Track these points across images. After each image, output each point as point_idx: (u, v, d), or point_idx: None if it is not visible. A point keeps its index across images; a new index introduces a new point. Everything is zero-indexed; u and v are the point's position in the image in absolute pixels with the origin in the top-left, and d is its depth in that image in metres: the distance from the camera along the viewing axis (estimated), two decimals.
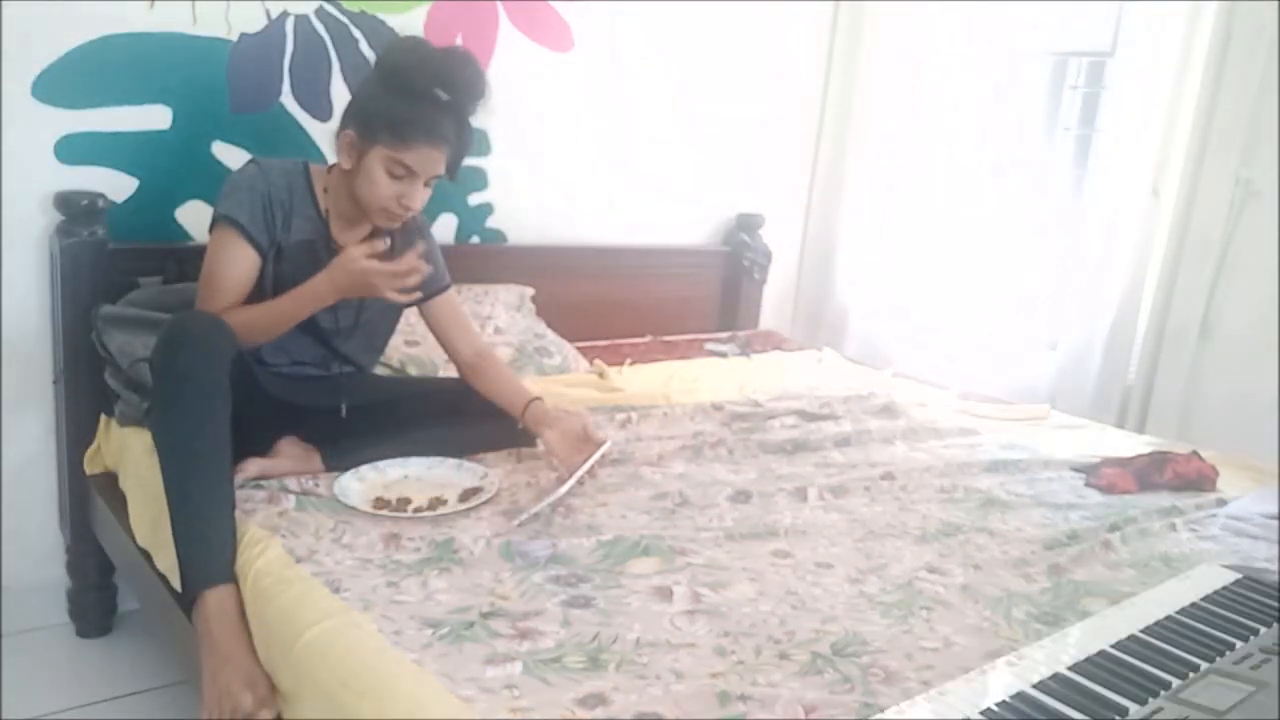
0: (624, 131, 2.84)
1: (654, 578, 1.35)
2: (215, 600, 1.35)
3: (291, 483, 1.60)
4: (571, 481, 1.58)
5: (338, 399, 1.76)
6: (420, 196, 1.66)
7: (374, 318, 1.83)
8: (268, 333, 1.63)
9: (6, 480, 2.08)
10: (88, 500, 2.03)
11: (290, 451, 1.67)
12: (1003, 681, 1.06)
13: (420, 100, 1.61)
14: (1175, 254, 2.46)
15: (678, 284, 3.04)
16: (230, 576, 1.37)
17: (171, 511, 1.42)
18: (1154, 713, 1.00)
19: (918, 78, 3.00)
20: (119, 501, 1.83)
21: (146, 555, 1.65)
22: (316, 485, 1.61)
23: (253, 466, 1.59)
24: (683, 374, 2.55)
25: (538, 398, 1.78)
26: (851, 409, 2.28)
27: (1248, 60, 2.31)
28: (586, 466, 1.61)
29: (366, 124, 1.62)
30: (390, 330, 1.92)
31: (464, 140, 1.68)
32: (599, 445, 1.65)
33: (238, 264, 1.63)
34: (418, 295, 1.71)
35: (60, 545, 2.16)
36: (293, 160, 1.74)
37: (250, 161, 1.70)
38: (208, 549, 1.39)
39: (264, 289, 1.68)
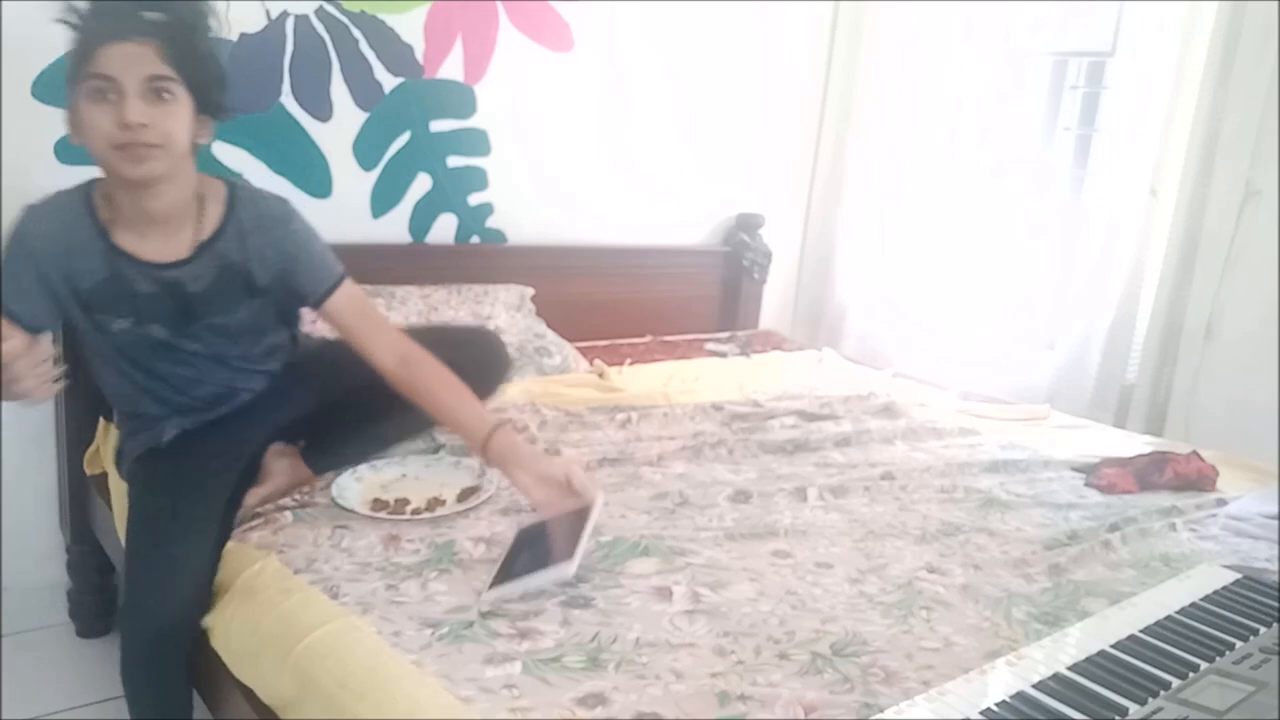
0: (624, 131, 2.83)
1: (654, 578, 1.34)
2: None
3: (287, 499, 1.57)
4: (573, 567, 1.27)
5: (287, 411, 1.60)
6: (136, 109, 1.30)
7: (218, 340, 1.51)
8: None
9: (6, 480, 2.08)
10: (88, 500, 2.03)
11: (278, 466, 1.60)
12: (1003, 681, 1.06)
13: (100, 14, 1.33)
14: (1175, 254, 2.46)
15: (678, 284, 3.04)
16: None
17: None
18: (1154, 713, 1.00)
19: (918, 78, 3.00)
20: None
21: None
22: (312, 496, 1.59)
23: (252, 498, 1.54)
24: (683, 374, 2.54)
25: (503, 423, 1.47)
26: (851, 409, 2.28)
27: (1255, 61, 2.30)
28: (586, 536, 1.31)
29: (67, 77, 1.35)
30: (262, 329, 1.57)
31: (187, 29, 1.36)
32: (588, 501, 1.38)
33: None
34: (55, 387, 1.33)
35: (60, 545, 2.16)
36: (79, 185, 1.45)
37: (22, 212, 1.42)
38: None
39: (88, 350, 1.51)
